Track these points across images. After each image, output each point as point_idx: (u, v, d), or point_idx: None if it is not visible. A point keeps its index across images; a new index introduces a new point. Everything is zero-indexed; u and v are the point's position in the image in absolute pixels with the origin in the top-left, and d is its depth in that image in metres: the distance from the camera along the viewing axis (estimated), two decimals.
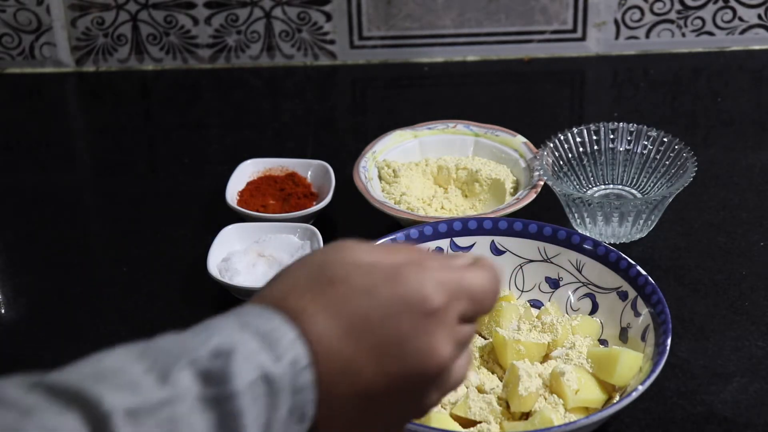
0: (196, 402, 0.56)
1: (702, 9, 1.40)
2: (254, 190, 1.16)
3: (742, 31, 1.42)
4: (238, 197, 1.14)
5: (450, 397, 0.87)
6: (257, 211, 1.12)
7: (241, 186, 1.16)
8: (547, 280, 1.00)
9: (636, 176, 1.14)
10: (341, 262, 0.64)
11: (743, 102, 1.35)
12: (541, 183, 1.10)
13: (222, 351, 0.57)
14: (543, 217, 1.04)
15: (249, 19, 1.40)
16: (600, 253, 0.97)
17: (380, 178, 1.16)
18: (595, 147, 1.14)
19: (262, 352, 0.58)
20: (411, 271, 0.63)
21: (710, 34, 1.42)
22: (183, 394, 0.55)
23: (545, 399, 0.87)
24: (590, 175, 1.15)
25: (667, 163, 1.12)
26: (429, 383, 0.64)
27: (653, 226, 1.09)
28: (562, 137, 1.14)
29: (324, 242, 1.05)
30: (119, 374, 0.55)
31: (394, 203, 1.11)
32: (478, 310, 0.66)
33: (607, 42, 1.42)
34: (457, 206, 1.13)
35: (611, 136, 1.14)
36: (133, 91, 1.42)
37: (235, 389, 0.57)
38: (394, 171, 1.15)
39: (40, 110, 1.40)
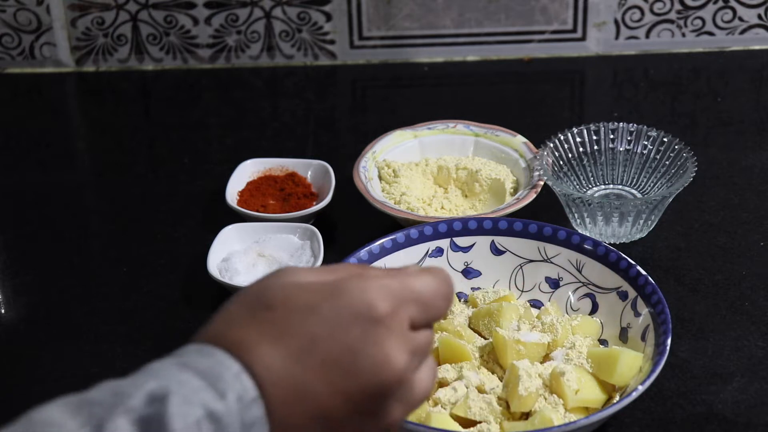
0: None
1: (702, 9, 1.40)
2: (254, 190, 1.16)
3: (742, 31, 1.42)
4: (238, 197, 1.14)
5: (450, 397, 0.87)
6: (257, 211, 1.12)
7: (241, 186, 1.16)
8: (547, 280, 1.00)
9: (636, 176, 1.14)
10: (279, 285, 0.61)
11: (743, 102, 1.35)
12: (541, 183, 1.10)
13: (156, 396, 0.55)
14: (543, 217, 1.04)
15: (249, 19, 1.40)
16: (600, 253, 0.97)
17: (380, 178, 1.16)
18: (595, 147, 1.14)
19: (204, 391, 0.56)
20: (353, 282, 0.61)
21: (710, 34, 1.42)
22: None
23: (545, 399, 0.87)
24: (590, 175, 1.15)
25: (667, 163, 1.12)
26: (388, 396, 0.60)
27: (653, 226, 1.09)
28: (562, 137, 1.14)
29: (324, 242, 1.05)
30: (61, 419, 0.53)
31: (394, 203, 1.11)
32: (429, 315, 0.63)
33: (607, 42, 1.42)
34: (457, 206, 1.13)
35: (611, 136, 1.14)
36: (133, 91, 1.42)
37: None
38: (394, 171, 1.15)
39: (40, 110, 1.40)
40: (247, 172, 1.17)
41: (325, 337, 0.59)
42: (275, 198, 1.15)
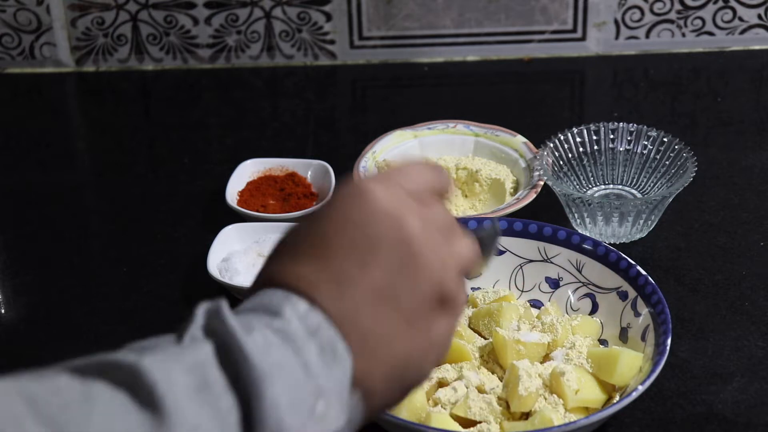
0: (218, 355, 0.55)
1: (702, 9, 1.40)
2: (254, 190, 1.16)
3: (742, 31, 1.42)
4: (238, 197, 1.14)
5: (450, 397, 0.87)
6: (257, 211, 1.12)
7: (241, 186, 1.16)
8: (547, 280, 1.00)
9: (636, 176, 1.14)
10: (287, 232, 0.64)
11: (743, 102, 1.35)
12: (541, 183, 1.10)
13: (211, 309, 0.57)
14: (543, 217, 1.04)
15: (249, 19, 1.40)
16: (600, 253, 0.97)
17: None
18: (595, 147, 1.14)
19: (258, 317, 0.57)
20: (338, 187, 0.64)
21: (710, 34, 1.42)
22: (203, 346, 0.55)
23: (545, 399, 0.87)
24: (590, 175, 1.15)
25: (667, 163, 1.12)
26: (419, 253, 0.61)
27: (653, 226, 1.09)
28: (562, 137, 1.14)
29: None
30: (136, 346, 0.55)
31: None
32: (415, 180, 0.65)
33: (607, 42, 1.42)
34: (457, 206, 1.13)
35: (611, 136, 1.14)
36: (133, 91, 1.42)
37: (231, 330, 0.55)
38: None
39: (40, 110, 1.40)
40: (247, 172, 1.17)
41: (333, 230, 0.60)
42: (275, 198, 1.15)
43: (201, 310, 0.57)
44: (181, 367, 0.53)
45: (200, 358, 0.54)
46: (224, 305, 0.57)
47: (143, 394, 0.51)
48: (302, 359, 0.56)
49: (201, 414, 0.52)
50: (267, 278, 0.61)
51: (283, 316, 0.57)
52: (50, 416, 0.48)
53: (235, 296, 1.03)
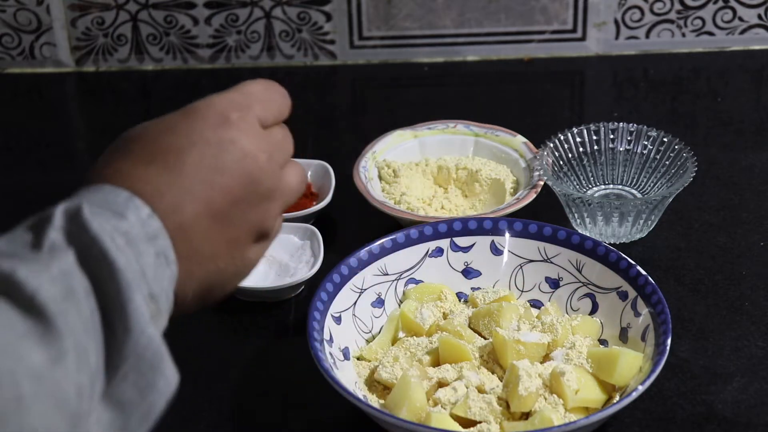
0: (75, 264, 0.57)
1: (702, 9, 1.40)
2: None
3: (742, 31, 1.42)
4: None
5: (450, 397, 0.87)
6: None
7: None
8: (547, 280, 1.00)
9: (636, 176, 1.14)
10: (137, 127, 0.69)
11: (743, 102, 1.35)
12: (541, 183, 1.10)
13: (71, 211, 0.60)
14: (543, 217, 1.04)
15: (249, 19, 1.40)
16: (600, 253, 0.97)
17: (380, 178, 1.16)
18: (595, 147, 1.14)
19: (106, 216, 0.60)
20: (200, 103, 0.69)
21: (710, 34, 1.42)
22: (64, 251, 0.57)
23: (545, 399, 0.87)
24: (590, 175, 1.15)
25: (667, 163, 1.12)
26: (260, 189, 0.67)
27: (653, 226, 1.09)
28: (562, 137, 1.14)
29: (324, 242, 1.05)
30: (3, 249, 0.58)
31: (394, 203, 1.11)
32: (272, 110, 0.73)
33: (607, 42, 1.42)
34: (457, 206, 1.13)
35: (611, 136, 1.14)
36: (133, 91, 1.42)
37: (94, 235, 0.59)
38: (394, 171, 1.15)
39: (40, 110, 1.40)
40: None
41: (188, 146, 0.65)
42: None
43: (59, 211, 0.60)
44: (49, 276, 0.55)
45: (65, 267, 0.56)
46: (85, 208, 0.60)
47: (24, 303, 0.53)
48: (140, 265, 0.59)
49: (76, 320, 0.55)
50: (111, 172, 0.65)
51: (128, 219, 0.60)
52: None
53: (235, 296, 1.03)
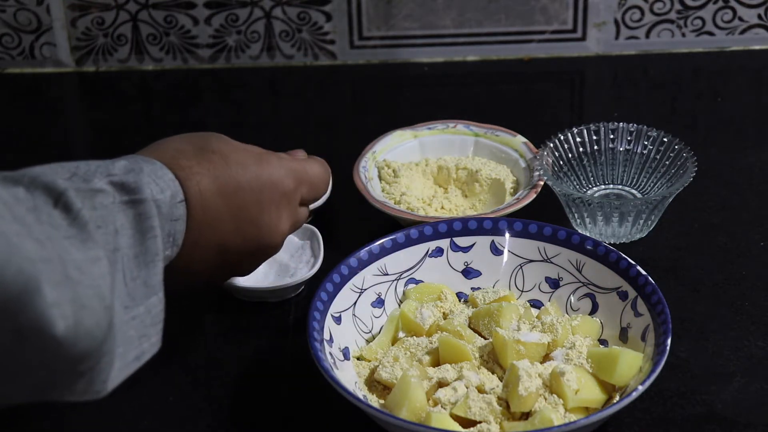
0: (116, 203, 0.70)
1: (702, 9, 1.40)
2: None
3: (742, 31, 1.42)
4: None
5: (450, 397, 0.87)
6: None
7: None
8: (547, 280, 1.00)
9: (636, 176, 1.14)
10: (222, 141, 0.83)
11: (743, 102, 1.35)
12: (541, 183, 1.10)
13: (132, 168, 0.73)
14: (543, 217, 1.04)
15: (249, 19, 1.40)
16: (600, 253, 0.97)
17: (380, 178, 1.16)
18: (595, 147, 1.15)
19: (152, 184, 0.74)
20: (272, 158, 0.84)
21: (710, 34, 1.42)
22: (107, 192, 0.70)
23: (545, 399, 0.87)
24: (590, 175, 1.15)
25: (667, 163, 1.12)
26: (266, 248, 0.84)
27: (653, 226, 1.09)
28: (562, 137, 1.14)
29: (324, 242, 1.05)
30: (55, 172, 0.70)
31: (394, 203, 1.11)
32: (313, 195, 0.89)
33: (607, 42, 1.42)
34: (457, 206, 1.13)
35: (611, 136, 1.14)
36: (133, 91, 1.42)
37: (146, 197, 0.72)
38: (394, 171, 1.15)
39: (40, 110, 1.40)
40: None
41: (247, 188, 0.80)
42: None
43: (121, 164, 0.74)
44: (91, 202, 0.69)
45: (106, 202, 0.71)
46: (144, 173, 0.75)
47: (71, 215, 0.67)
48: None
49: (109, 240, 0.68)
50: (171, 156, 0.78)
51: (164, 193, 0.75)
52: (19, 217, 0.63)
53: (235, 296, 1.03)
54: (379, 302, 0.98)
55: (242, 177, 0.80)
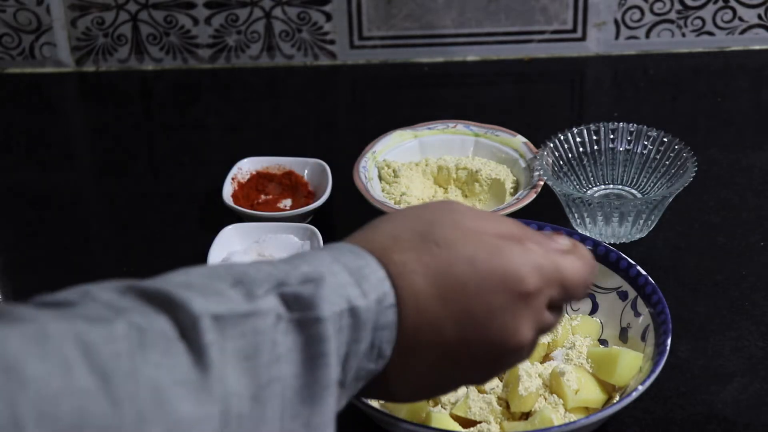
0: (281, 322, 0.57)
1: (702, 9, 1.40)
2: (251, 188, 1.16)
3: (742, 31, 1.42)
4: (235, 196, 1.14)
5: (450, 397, 0.87)
6: (254, 209, 1.12)
7: (238, 185, 1.16)
8: None
9: (636, 176, 1.14)
10: (450, 224, 0.65)
11: (743, 102, 1.35)
12: (541, 183, 1.10)
13: (311, 278, 0.59)
14: (543, 217, 1.04)
15: (249, 19, 1.40)
16: (600, 253, 0.97)
17: (380, 178, 1.16)
18: (595, 147, 1.14)
19: (351, 286, 0.60)
20: (513, 249, 0.65)
21: (710, 34, 1.42)
22: (267, 312, 0.56)
23: (545, 399, 0.87)
24: (590, 175, 1.15)
25: (667, 163, 1.12)
26: (503, 357, 0.66)
27: (653, 226, 1.09)
28: (562, 137, 1.14)
29: (324, 242, 1.05)
30: (207, 286, 0.57)
31: (394, 203, 1.11)
32: (566, 297, 0.68)
33: (607, 42, 1.42)
34: None
35: (611, 136, 1.14)
36: (133, 91, 1.42)
37: (321, 315, 0.58)
38: (394, 171, 1.15)
39: (40, 110, 1.40)
40: (244, 171, 1.17)
41: (475, 290, 0.63)
42: (273, 196, 1.15)
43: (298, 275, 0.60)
44: (234, 331, 0.55)
45: (259, 326, 0.56)
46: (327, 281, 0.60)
47: (196, 349, 0.53)
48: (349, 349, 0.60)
49: (240, 382, 0.54)
50: (384, 247, 0.64)
51: (367, 298, 0.61)
52: (100, 364, 0.49)
53: None
54: None
55: (469, 277, 0.63)
